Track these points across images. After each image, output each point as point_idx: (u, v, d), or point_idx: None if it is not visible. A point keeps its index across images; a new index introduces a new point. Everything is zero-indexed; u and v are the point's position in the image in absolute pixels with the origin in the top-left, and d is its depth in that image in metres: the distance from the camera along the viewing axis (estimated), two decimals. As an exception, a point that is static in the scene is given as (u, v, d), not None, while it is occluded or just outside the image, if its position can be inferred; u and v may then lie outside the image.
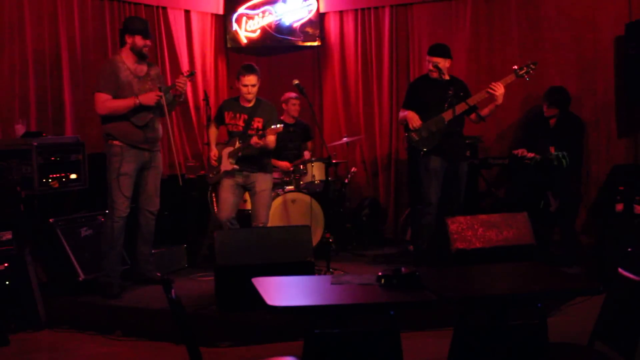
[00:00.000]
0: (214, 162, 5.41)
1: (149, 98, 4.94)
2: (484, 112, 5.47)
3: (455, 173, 5.48)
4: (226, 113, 5.39)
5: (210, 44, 7.31)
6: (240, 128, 5.34)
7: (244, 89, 5.28)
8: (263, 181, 5.38)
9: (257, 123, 5.30)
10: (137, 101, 4.92)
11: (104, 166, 5.74)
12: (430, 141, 5.43)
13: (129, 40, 4.97)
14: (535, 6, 6.62)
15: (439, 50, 5.52)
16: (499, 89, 5.26)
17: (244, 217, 5.77)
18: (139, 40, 4.97)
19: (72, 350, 4.39)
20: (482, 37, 6.84)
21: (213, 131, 5.60)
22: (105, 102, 4.90)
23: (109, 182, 5.00)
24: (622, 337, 2.77)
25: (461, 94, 5.45)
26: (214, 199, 6.22)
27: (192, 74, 5.26)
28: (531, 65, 5.35)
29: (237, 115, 5.35)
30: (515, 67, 5.39)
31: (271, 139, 5.22)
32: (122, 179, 4.96)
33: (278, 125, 5.11)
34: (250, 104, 5.34)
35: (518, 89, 6.42)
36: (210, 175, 5.53)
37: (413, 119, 5.44)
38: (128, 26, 5.02)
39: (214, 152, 5.44)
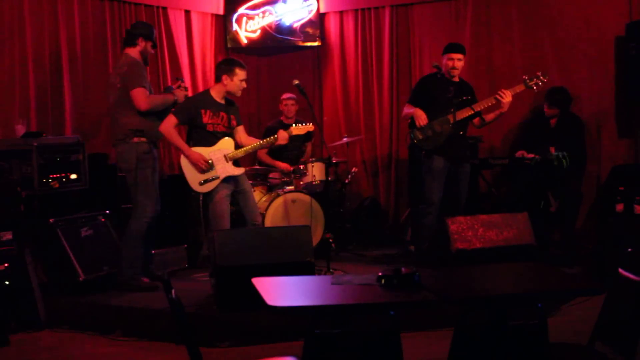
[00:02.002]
0: (205, 166, 4.91)
1: (181, 95, 5.10)
2: (489, 117, 5.46)
3: (458, 174, 5.48)
4: (203, 112, 4.93)
5: (210, 44, 7.31)
6: (224, 127, 5.01)
7: (241, 84, 5.01)
8: (245, 179, 5.21)
9: (233, 121, 5.10)
10: (175, 97, 5.06)
11: (104, 166, 5.73)
12: (434, 141, 5.42)
13: (142, 43, 5.07)
14: (535, 6, 6.62)
15: (460, 47, 5.53)
16: (506, 97, 5.24)
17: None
18: (150, 47, 5.14)
19: (72, 350, 4.39)
20: (482, 37, 6.83)
21: (177, 131, 4.97)
22: (149, 97, 4.96)
23: (142, 181, 4.95)
24: (622, 337, 2.77)
25: (468, 97, 5.44)
26: (202, 211, 5.81)
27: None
28: (541, 77, 5.34)
29: (217, 113, 4.98)
30: (525, 77, 5.40)
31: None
32: (155, 177, 5.02)
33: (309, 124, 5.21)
34: (224, 101, 5.04)
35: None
36: (201, 184, 4.95)
37: (420, 117, 5.41)
38: (144, 31, 5.10)
39: (200, 155, 4.90)
